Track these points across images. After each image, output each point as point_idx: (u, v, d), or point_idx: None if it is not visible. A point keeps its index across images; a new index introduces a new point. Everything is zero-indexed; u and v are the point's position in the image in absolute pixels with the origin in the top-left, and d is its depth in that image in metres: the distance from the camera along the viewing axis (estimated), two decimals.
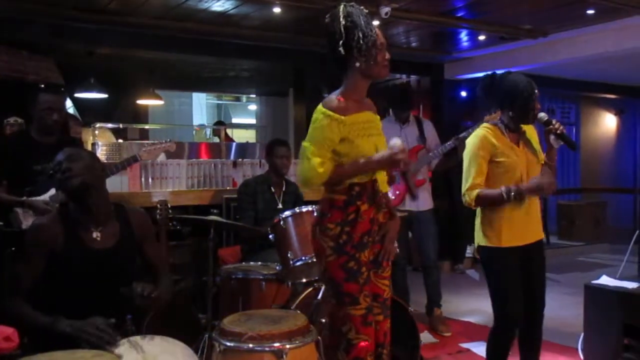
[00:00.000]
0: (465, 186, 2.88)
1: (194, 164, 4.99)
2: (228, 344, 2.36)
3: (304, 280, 3.37)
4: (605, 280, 3.70)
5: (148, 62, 6.99)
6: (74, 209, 2.35)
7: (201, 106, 12.55)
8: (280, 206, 4.17)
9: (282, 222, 3.30)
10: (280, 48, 5.95)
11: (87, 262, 2.30)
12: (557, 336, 4.16)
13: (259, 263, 3.71)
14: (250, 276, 3.47)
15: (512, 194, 2.78)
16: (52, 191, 3.30)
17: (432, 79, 7.23)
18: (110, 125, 7.14)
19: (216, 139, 9.10)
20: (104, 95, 7.36)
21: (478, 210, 2.95)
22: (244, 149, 7.39)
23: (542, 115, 2.88)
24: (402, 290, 4.48)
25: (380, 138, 2.50)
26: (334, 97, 2.40)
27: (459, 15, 5.05)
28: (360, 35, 2.31)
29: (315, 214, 2.57)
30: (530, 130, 3.01)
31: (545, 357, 3.13)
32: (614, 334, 3.44)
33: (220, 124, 9.29)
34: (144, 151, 3.85)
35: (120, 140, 6.47)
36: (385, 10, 4.36)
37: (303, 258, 3.20)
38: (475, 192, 2.83)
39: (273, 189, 4.25)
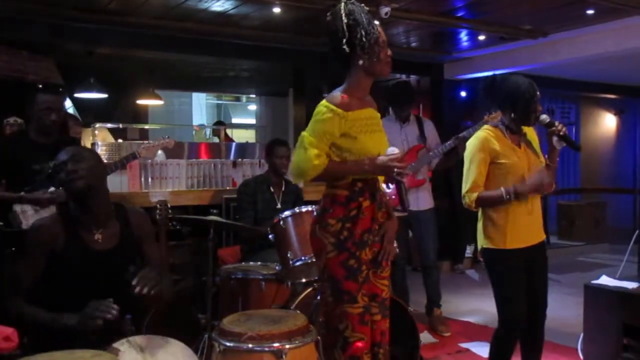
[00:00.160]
0: (465, 188, 2.88)
1: (194, 164, 4.99)
2: (228, 344, 2.36)
3: (304, 280, 3.37)
4: (605, 280, 3.70)
5: (148, 62, 6.99)
6: (74, 208, 2.35)
7: (201, 106, 12.54)
8: (279, 206, 4.17)
9: (281, 222, 3.30)
10: (280, 48, 5.95)
11: (87, 263, 2.30)
12: (557, 336, 4.15)
13: (259, 263, 3.71)
14: (250, 276, 3.48)
15: (513, 194, 2.78)
16: (51, 190, 3.29)
17: (432, 79, 7.23)
18: (110, 125, 7.14)
19: (216, 139, 9.11)
20: (104, 95, 7.36)
21: (480, 212, 2.95)
22: (244, 149, 7.38)
23: (544, 117, 2.87)
24: (401, 290, 4.48)
25: (382, 135, 2.52)
26: (337, 94, 2.41)
27: (459, 15, 5.05)
28: (363, 33, 2.32)
29: (315, 214, 2.57)
30: (531, 132, 3.01)
31: (545, 357, 3.13)
32: (613, 334, 3.44)
33: (220, 124, 9.30)
34: (142, 148, 3.85)
35: (120, 140, 6.47)
36: (385, 10, 4.36)
37: (303, 258, 3.20)
38: (476, 194, 2.84)
39: (272, 189, 4.25)
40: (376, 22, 2.41)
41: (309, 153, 2.32)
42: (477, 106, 7.00)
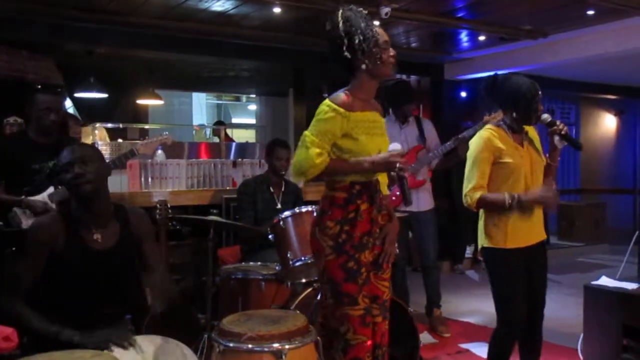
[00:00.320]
0: (467, 187, 2.86)
1: (194, 164, 4.98)
2: (227, 344, 2.35)
3: (304, 280, 3.37)
4: (604, 281, 3.70)
5: (148, 62, 6.99)
6: (75, 207, 2.35)
7: (201, 106, 12.55)
8: (279, 206, 4.17)
9: (281, 222, 3.29)
10: (280, 48, 5.95)
11: (87, 263, 2.30)
12: (556, 337, 4.16)
13: (259, 263, 3.71)
14: (250, 276, 3.47)
15: (516, 202, 2.78)
16: (50, 189, 3.30)
17: (432, 79, 7.23)
18: (110, 125, 7.14)
19: (216, 139, 9.11)
20: (104, 95, 7.36)
21: (481, 211, 2.95)
22: (244, 149, 7.39)
23: (546, 116, 2.87)
24: (401, 290, 4.47)
25: (384, 139, 2.51)
26: (341, 94, 2.42)
27: (459, 15, 5.05)
28: (361, 38, 2.33)
29: (315, 214, 2.57)
30: (532, 131, 3.00)
31: (545, 358, 3.13)
32: (613, 335, 3.44)
33: (220, 124, 9.30)
34: (140, 145, 3.84)
35: (120, 140, 6.47)
36: (385, 10, 4.37)
37: (302, 258, 3.20)
38: (478, 194, 2.82)
39: (272, 189, 4.25)
40: (376, 23, 2.41)
41: (310, 152, 2.32)
42: (477, 107, 7.00)
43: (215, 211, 4.64)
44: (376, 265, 2.50)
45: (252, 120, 12.27)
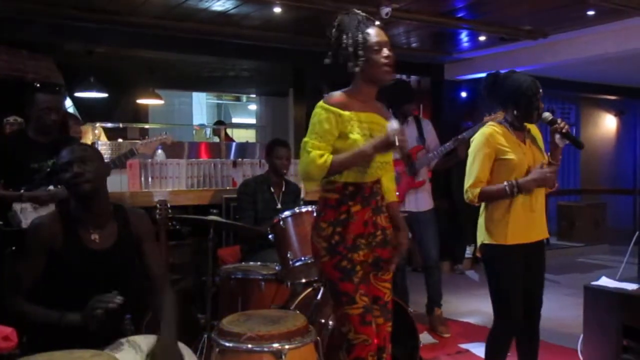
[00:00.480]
0: (468, 182, 2.86)
1: (194, 164, 4.99)
2: (227, 344, 2.36)
3: (303, 280, 3.37)
4: (604, 281, 3.70)
5: (148, 62, 6.99)
6: (75, 207, 2.35)
7: (201, 106, 12.56)
8: (279, 206, 4.17)
9: (281, 222, 3.29)
10: (280, 48, 5.95)
11: (84, 262, 2.29)
12: (556, 337, 4.16)
13: (259, 263, 3.71)
14: (250, 276, 3.47)
15: (516, 187, 2.78)
16: (50, 189, 3.29)
17: (433, 79, 7.23)
18: (110, 124, 7.14)
19: (216, 139, 9.11)
20: (104, 95, 7.36)
21: (482, 208, 2.94)
22: (244, 149, 7.39)
23: (547, 114, 2.87)
24: (401, 290, 4.48)
25: None
26: (335, 93, 2.43)
27: (459, 15, 5.05)
28: (350, 42, 2.34)
29: (314, 214, 2.58)
30: (534, 129, 3.00)
31: (544, 358, 3.13)
32: (613, 336, 3.44)
33: (220, 124, 9.30)
34: (140, 145, 3.84)
35: (120, 140, 6.47)
36: (385, 10, 4.37)
37: (302, 258, 3.19)
38: (478, 189, 2.83)
39: (272, 189, 4.25)
40: (377, 23, 2.41)
41: (312, 155, 2.32)
42: (477, 107, 7.01)
43: (215, 211, 4.64)
44: (376, 266, 2.50)
45: (252, 120, 12.27)
